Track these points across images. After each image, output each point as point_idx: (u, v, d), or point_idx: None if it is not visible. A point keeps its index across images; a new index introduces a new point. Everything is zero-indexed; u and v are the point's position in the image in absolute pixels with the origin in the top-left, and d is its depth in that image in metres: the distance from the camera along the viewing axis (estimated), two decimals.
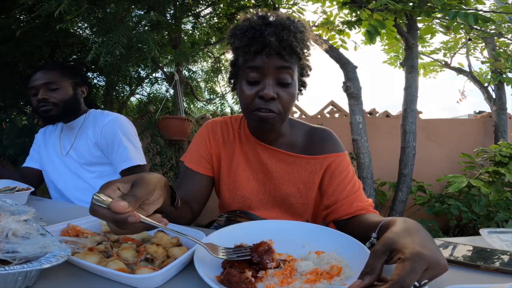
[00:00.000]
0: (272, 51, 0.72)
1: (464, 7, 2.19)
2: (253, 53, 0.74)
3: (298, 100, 0.93)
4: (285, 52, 0.73)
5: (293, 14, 2.79)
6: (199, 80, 3.97)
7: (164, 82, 3.57)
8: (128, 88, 3.39)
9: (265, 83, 0.75)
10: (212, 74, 3.85)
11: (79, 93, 1.39)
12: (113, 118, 1.32)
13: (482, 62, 3.76)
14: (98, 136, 1.29)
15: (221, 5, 2.97)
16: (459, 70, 3.91)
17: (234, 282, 0.45)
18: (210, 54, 3.68)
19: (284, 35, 0.72)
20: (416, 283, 0.39)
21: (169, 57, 3.09)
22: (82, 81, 1.41)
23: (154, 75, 3.51)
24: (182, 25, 2.97)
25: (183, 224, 0.72)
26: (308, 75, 0.88)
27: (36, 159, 1.47)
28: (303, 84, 0.88)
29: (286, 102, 0.77)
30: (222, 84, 3.85)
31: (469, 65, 3.85)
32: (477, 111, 4.14)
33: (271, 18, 0.77)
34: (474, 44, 3.77)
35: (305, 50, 0.78)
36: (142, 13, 2.58)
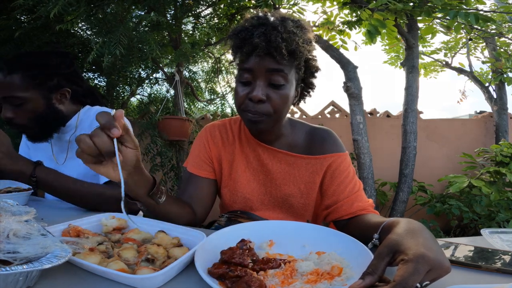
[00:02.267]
0: (261, 52, 0.72)
1: (465, 7, 2.19)
2: (245, 54, 0.75)
3: (301, 103, 0.93)
4: (276, 53, 0.72)
5: (294, 14, 2.80)
6: (199, 80, 3.98)
7: (165, 83, 3.58)
8: (128, 89, 3.40)
9: (255, 85, 0.75)
10: (212, 74, 3.85)
11: (55, 102, 1.05)
12: None
13: (483, 62, 3.76)
14: None
15: (222, 6, 2.98)
16: (460, 70, 3.91)
17: None
18: (211, 55, 3.69)
19: (272, 35, 0.71)
20: (417, 285, 0.39)
21: (169, 58, 3.10)
22: (62, 82, 1.06)
23: (154, 75, 3.52)
24: (183, 26, 2.98)
25: (183, 224, 0.72)
26: (313, 76, 0.87)
27: None
28: (309, 86, 0.88)
29: (277, 104, 0.76)
30: (222, 85, 3.86)
31: (470, 65, 3.85)
32: (478, 111, 4.14)
33: (266, 19, 0.77)
34: (475, 44, 3.77)
35: (300, 51, 0.75)
36: (143, 13, 2.59)
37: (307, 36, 0.79)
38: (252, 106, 0.75)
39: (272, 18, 0.77)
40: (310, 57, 0.83)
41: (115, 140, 0.51)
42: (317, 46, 0.85)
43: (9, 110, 0.99)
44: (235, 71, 3.84)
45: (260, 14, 0.79)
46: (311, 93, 0.91)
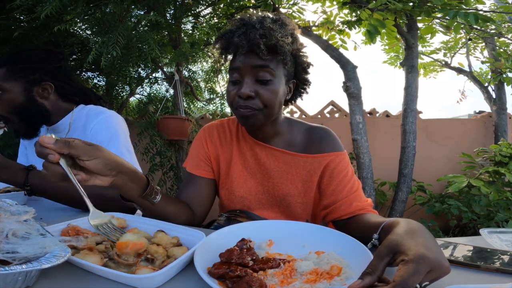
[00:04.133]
0: (243, 51, 0.75)
1: (464, 7, 2.19)
2: (232, 55, 0.80)
3: (298, 100, 0.93)
4: (257, 50, 0.74)
5: (293, 14, 2.80)
6: (199, 80, 3.97)
7: (164, 82, 3.57)
8: (128, 88, 3.39)
9: (243, 82, 0.78)
10: (212, 74, 3.84)
11: (36, 94, 1.05)
12: (104, 117, 1.08)
13: (482, 62, 3.76)
14: (88, 139, 1.02)
15: (221, 5, 2.97)
16: (459, 70, 3.91)
17: None
18: (210, 54, 3.68)
19: (250, 34, 0.74)
20: (417, 285, 0.39)
21: (169, 57, 3.09)
22: (44, 76, 1.07)
23: (154, 75, 3.51)
24: (182, 25, 2.97)
25: (181, 224, 0.74)
26: (306, 72, 0.89)
27: (25, 163, 1.30)
28: (303, 82, 0.89)
29: (267, 99, 0.78)
30: (222, 84, 3.85)
31: (469, 65, 3.85)
32: (477, 111, 4.15)
33: (247, 20, 0.80)
34: (474, 44, 3.77)
35: (280, 45, 0.76)
36: (142, 13, 2.58)
37: (289, 31, 0.80)
38: (243, 102, 0.78)
39: (253, 18, 0.79)
40: (298, 52, 0.85)
41: (61, 163, 0.51)
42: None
43: None
44: None
45: (244, 16, 0.82)
46: (307, 89, 0.92)
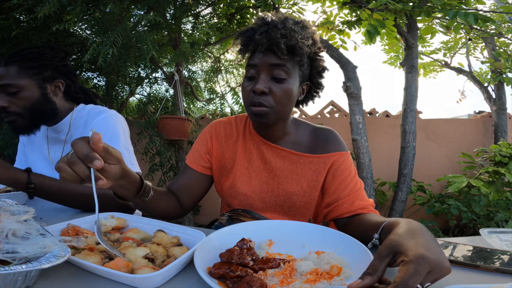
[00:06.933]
0: (262, 49, 0.77)
1: (464, 7, 2.19)
2: (251, 52, 0.81)
3: (310, 103, 0.94)
4: (276, 49, 0.76)
5: (293, 14, 2.80)
6: (199, 80, 3.97)
7: (164, 82, 3.57)
8: (128, 88, 3.39)
9: (258, 79, 0.79)
10: (212, 74, 3.85)
11: (49, 92, 1.07)
12: (106, 116, 1.07)
13: (482, 62, 3.76)
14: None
15: (221, 5, 2.97)
16: (459, 70, 3.91)
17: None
18: (210, 54, 3.68)
19: (272, 33, 0.76)
20: (418, 286, 0.39)
21: (169, 57, 3.09)
22: (55, 74, 1.09)
23: (154, 75, 3.51)
24: (182, 25, 2.97)
25: (170, 216, 0.89)
26: (320, 76, 0.90)
27: (23, 162, 1.26)
28: (317, 86, 0.91)
29: (279, 97, 0.79)
30: (222, 84, 3.85)
31: (469, 65, 3.85)
32: (477, 111, 4.14)
33: (269, 19, 0.82)
34: (474, 44, 3.77)
35: (299, 46, 0.78)
36: (142, 13, 2.58)
37: (308, 34, 0.81)
38: (257, 98, 0.79)
39: (274, 18, 0.81)
40: (315, 56, 0.86)
41: (92, 169, 0.50)
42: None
43: (3, 98, 0.99)
44: (234, 71, 3.80)
45: (266, 16, 0.84)
46: (320, 93, 0.94)
